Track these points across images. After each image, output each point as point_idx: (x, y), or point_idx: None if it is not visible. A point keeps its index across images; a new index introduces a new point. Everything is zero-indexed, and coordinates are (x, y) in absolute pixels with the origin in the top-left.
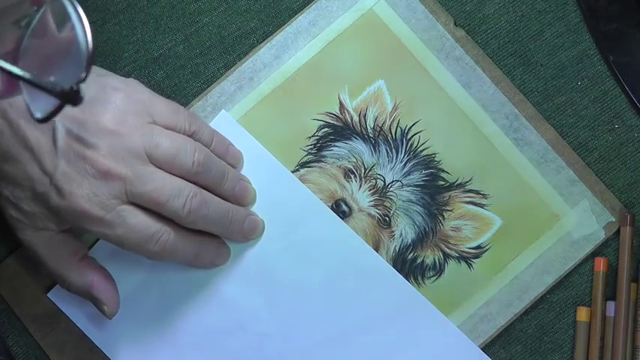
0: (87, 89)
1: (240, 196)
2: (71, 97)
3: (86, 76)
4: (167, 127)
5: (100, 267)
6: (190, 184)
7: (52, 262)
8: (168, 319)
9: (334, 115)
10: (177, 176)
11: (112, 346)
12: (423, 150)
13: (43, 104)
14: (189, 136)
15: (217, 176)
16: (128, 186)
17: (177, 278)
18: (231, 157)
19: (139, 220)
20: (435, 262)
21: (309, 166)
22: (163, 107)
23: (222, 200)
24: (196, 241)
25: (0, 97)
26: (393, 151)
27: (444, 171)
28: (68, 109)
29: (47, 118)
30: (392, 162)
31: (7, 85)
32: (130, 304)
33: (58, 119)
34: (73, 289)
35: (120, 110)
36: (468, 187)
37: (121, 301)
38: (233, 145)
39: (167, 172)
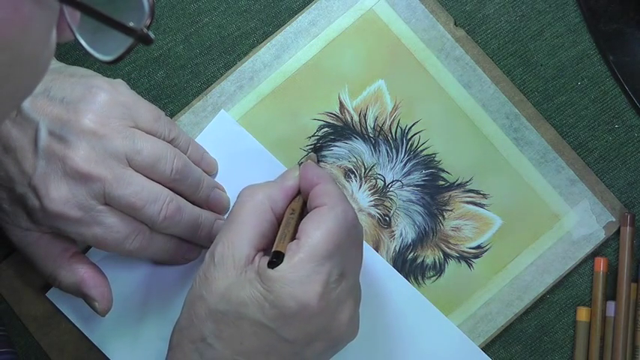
0: (72, 90)
1: (214, 204)
2: (144, 37)
3: (151, 23)
4: (149, 133)
5: (90, 263)
6: (167, 190)
7: (42, 261)
8: (167, 319)
9: (334, 115)
10: (154, 181)
11: (110, 345)
12: (423, 150)
13: (105, 47)
14: (169, 142)
15: (193, 184)
16: (107, 188)
17: (176, 278)
18: (206, 165)
19: (115, 219)
20: (435, 261)
21: None
22: (147, 113)
23: (194, 206)
24: (170, 237)
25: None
26: (393, 151)
27: (444, 171)
28: (52, 108)
29: (118, 60)
30: (392, 162)
31: (60, 30)
32: (129, 304)
33: (41, 119)
34: (64, 287)
35: (103, 112)
36: (468, 187)
37: (120, 300)
38: (208, 153)
39: (145, 177)
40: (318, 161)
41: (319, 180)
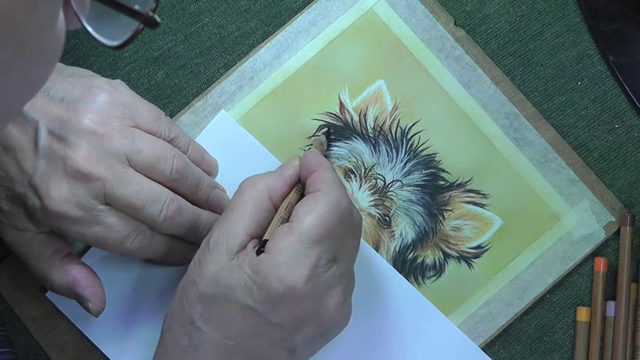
0: (72, 90)
1: (214, 204)
2: (150, 20)
3: (156, 7)
4: (149, 132)
5: (83, 264)
6: (167, 190)
7: (35, 262)
8: None
9: (334, 115)
10: (155, 181)
11: (110, 345)
12: (423, 150)
13: (112, 33)
14: (169, 142)
15: (193, 184)
16: (107, 187)
17: (175, 278)
18: (206, 165)
19: (116, 219)
20: (435, 261)
21: None
22: (147, 113)
23: (195, 207)
24: (170, 237)
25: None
26: (393, 150)
27: (444, 171)
28: (52, 108)
29: (124, 45)
30: (392, 162)
31: (67, 17)
32: (128, 304)
33: (40, 119)
34: (56, 288)
35: (103, 112)
36: (468, 187)
37: (120, 300)
38: (208, 153)
39: (146, 176)
40: (328, 142)
41: (317, 167)
